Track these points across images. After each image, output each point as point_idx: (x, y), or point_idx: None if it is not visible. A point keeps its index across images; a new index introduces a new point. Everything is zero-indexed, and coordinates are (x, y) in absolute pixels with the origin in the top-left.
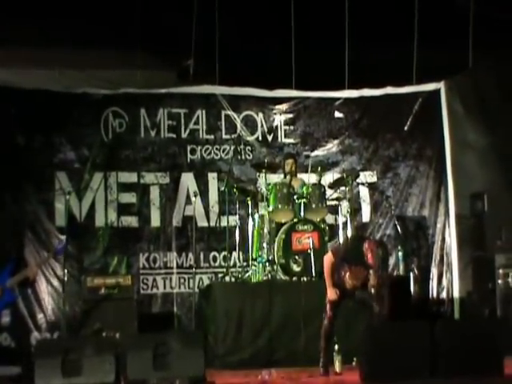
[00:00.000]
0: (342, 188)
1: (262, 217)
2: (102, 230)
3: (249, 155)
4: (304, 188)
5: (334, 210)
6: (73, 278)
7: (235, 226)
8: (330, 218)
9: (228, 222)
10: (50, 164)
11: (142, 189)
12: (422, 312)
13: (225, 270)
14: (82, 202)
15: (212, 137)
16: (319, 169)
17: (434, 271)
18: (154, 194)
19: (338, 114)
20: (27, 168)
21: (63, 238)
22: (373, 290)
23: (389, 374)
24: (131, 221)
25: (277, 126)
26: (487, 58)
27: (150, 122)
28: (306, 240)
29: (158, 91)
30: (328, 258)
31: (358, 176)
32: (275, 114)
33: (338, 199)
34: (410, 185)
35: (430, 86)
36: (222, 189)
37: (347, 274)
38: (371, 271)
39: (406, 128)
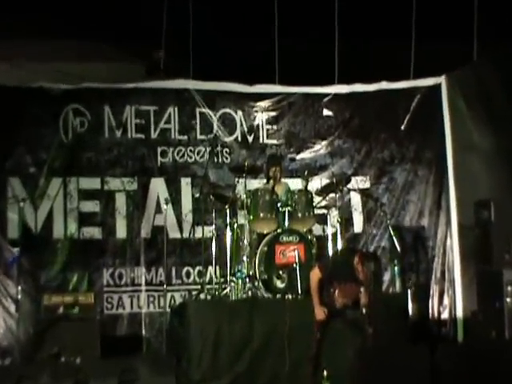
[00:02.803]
0: (332, 195)
1: (241, 227)
2: (60, 242)
3: (227, 158)
4: (289, 195)
5: (323, 220)
6: (27, 297)
7: (211, 238)
8: (317, 229)
9: (203, 233)
10: (2, 168)
11: (106, 196)
12: (421, 334)
13: (200, 286)
14: (38, 212)
15: (185, 137)
16: (306, 173)
17: (435, 288)
18: (120, 201)
19: (326, 112)
20: None
21: (16, 251)
22: (365, 310)
23: None
24: (94, 232)
25: (258, 126)
26: (493, 49)
27: (115, 120)
28: (291, 253)
29: (125, 86)
30: (315, 274)
31: (349, 181)
32: (256, 111)
33: (326, 207)
34: (407, 191)
35: (429, 81)
36: (197, 196)
37: (336, 291)
38: (362, 288)
39: (402, 128)
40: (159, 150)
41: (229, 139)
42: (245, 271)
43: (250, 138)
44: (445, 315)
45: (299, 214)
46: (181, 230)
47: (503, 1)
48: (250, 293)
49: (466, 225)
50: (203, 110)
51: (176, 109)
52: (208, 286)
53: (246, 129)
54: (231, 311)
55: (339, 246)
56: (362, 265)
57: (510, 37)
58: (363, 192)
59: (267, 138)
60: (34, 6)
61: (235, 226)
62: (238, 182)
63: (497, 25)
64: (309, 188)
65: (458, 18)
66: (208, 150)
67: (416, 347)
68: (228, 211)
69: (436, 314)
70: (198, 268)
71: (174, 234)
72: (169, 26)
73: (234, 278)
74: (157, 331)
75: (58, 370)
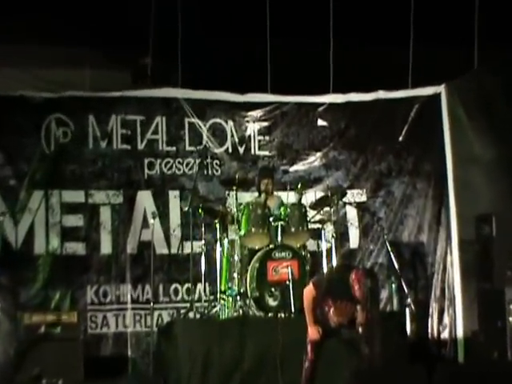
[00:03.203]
0: (326, 209)
1: (232, 242)
2: (42, 258)
3: (217, 170)
4: (282, 208)
5: (317, 235)
6: (7, 316)
7: (201, 254)
8: (311, 244)
9: (192, 249)
10: None
11: (90, 210)
12: (419, 354)
13: (188, 304)
14: (19, 226)
15: (173, 148)
16: (299, 186)
17: (434, 306)
18: (105, 215)
19: (321, 122)
20: None
21: None
22: (361, 329)
23: None
24: (77, 247)
25: (250, 136)
26: (494, 56)
27: (100, 130)
28: (284, 269)
29: (110, 95)
30: (309, 292)
31: (344, 195)
32: (248, 121)
33: (321, 222)
34: (405, 205)
35: (428, 90)
36: (186, 209)
37: (331, 309)
38: (359, 306)
39: (400, 139)
40: (146, 161)
41: (219, 150)
42: (235, 288)
43: (241, 150)
44: (445, 335)
45: (292, 229)
46: (169, 245)
47: (504, 7)
48: (240, 311)
49: (467, 240)
50: (192, 119)
51: (164, 119)
52: (197, 304)
53: (236, 139)
54: (221, 330)
55: (334, 262)
56: (358, 282)
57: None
58: (359, 206)
59: (259, 149)
60: (11, 11)
61: (225, 241)
62: (228, 195)
63: (498, 31)
64: (303, 201)
65: (458, 23)
66: (197, 161)
67: (414, 368)
68: (218, 226)
69: (435, 334)
70: (186, 285)
71: (161, 249)
72: (156, 32)
73: (224, 296)
74: (143, 352)
75: None
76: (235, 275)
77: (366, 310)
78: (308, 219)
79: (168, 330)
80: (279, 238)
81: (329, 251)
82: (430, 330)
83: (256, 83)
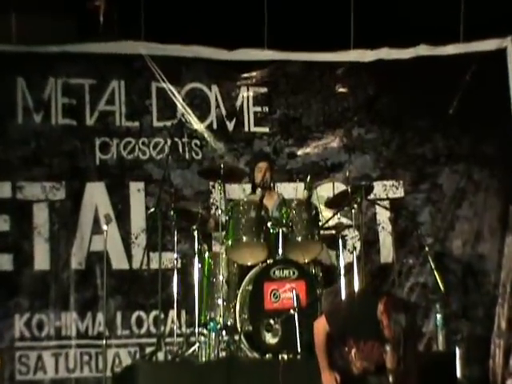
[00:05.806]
0: (347, 208)
1: (215, 256)
2: None
3: (197, 153)
4: (284, 209)
5: (333, 244)
6: None
7: (173, 270)
8: (325, 258)
9: (161, 264)
10: None
11: (19, 209)
12: None
13: (156, 340)
14: None
15: (136, 124)
16: (309, 177)
17: (497, 344)
18: (40, 217)
19: (340, 89)
20: None
21: None
22: (392, 377)
23: None
24: (1, 261)
25: (242, 107)
26: None
27: (32, 99)
28: (287, 294)
29: (47, 50)
30: (320, 326)
31: (372, 188)
32: (239, 87)
33: (338, 227)
34: (457, 203)
35: (489, 44)
36: (153, 209)
37: (353, 351)
38: (388, 347)
39: (450, 111)
40: (98, 142)
41: (199, 126)
42: (220, 320)
43: (231, 125)
44: None
45: (299, 238)
46: (129, 257)
47: None
48: (228, 351)
49: None
50: (162, 84)
51: (122, 83)
52: (168, 340)
53: (224, 112)
54: (201, 377)
55: (357, 283)
56: (387, 317)
57: None
58: (394, 204)
59: (255, 124)
60: None
61: (207, 254)
62: (213, 187)
63: None
64: (313, 198)
65: None
66: (169, 142)
67: None
68: (197, 232)
69: (499, 381)
70: (153, 313)
71: (119, 263)
72: None
73: (204, 330)
74: None
75: None
76: (220, 301)
77: (399, 356)
78: (321, 223)
79: (127, 376)
80: (280, 251)
81: (349, 267)
82: (491, 377)
83: (249, 35)
